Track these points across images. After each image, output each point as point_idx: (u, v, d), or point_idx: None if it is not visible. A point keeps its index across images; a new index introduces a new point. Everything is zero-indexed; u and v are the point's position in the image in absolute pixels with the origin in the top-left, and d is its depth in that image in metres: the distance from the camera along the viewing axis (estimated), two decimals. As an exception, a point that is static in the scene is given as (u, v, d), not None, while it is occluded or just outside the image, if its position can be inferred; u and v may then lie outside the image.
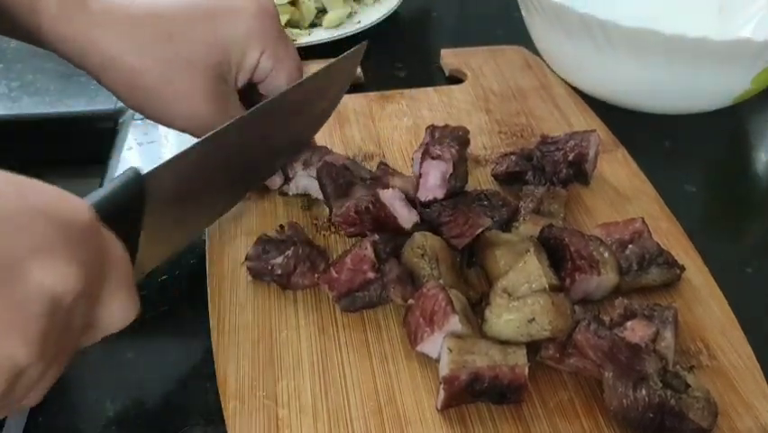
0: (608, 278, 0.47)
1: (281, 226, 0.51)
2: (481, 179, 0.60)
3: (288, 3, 0.82)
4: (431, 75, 0.79)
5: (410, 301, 0.46)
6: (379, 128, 0.66)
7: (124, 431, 0.44)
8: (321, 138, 0.62)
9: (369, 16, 0.84)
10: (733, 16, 0.76)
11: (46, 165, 0.77)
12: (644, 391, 0.41)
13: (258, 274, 0.50)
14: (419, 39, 0.90)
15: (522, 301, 0.43)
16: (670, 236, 0.55)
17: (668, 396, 0.40)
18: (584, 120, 0.69)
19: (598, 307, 0.48)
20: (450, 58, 0.78)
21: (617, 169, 0.62)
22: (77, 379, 0.46)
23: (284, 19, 0.81)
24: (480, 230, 0.49)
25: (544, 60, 0.76)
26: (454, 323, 0.42)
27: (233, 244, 0.54)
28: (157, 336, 0.49)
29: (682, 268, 0.51)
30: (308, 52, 0.80)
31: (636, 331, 0.44)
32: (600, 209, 0.58)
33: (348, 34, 0.81)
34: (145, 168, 0.41)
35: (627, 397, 0.41)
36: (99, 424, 0.44)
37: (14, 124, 0.73)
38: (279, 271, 0.49)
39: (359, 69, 0.75)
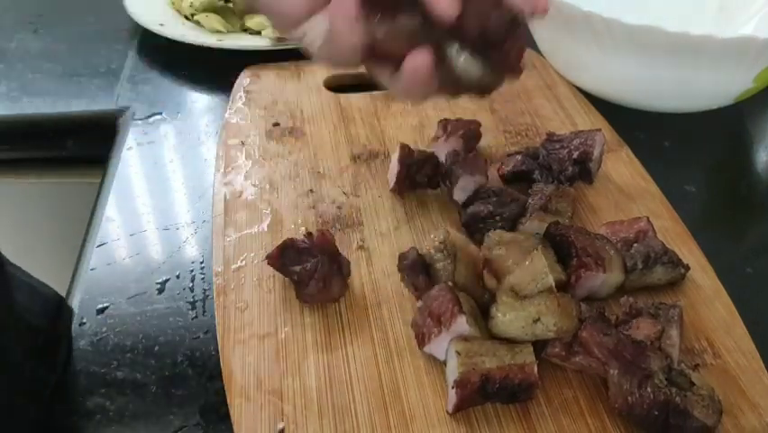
0: (614, 276, 0.47)
1: (309, 234, 0.49)
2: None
3: (289, 3, 0.82)
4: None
5: (419, 304, 0.45)
6: (383, 126, 0.67)
7: (124, 431, 0.44)
8: (326, 136, 0.64)
9: (369, 17, 0.84)
10: (733, 15, 0.76)
11: (46, 165, 0.77)
12: (649, 389, 0.41)
13: (278, 270, 0.49)
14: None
15: (528, 301, 0.43)
16: (675, 236, 0.55)
17: (673, 393, 0.40)
18: (589, 119, 0.69)
19: (603, 305, 0.48)
20: None
21: (621, 168, 0.62)
22: (77, 379, 0.46)
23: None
24: None
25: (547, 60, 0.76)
26: (461, 324, 0.42)
27: (238, 246, 0.54)
28: (156, 335, 0.49)
29: (687, 267, 0.51)
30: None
31: (642, 329, 0.44)
32: (605, 208, 0.58)
33: (348, 35, 0.81)
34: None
35: (632, 394, 0.41)
36: (99, 423, 0.44)
37: (14, 124, 0.73)
38: (295, 278, 0.48)
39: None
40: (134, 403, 0.45)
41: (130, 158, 0.65)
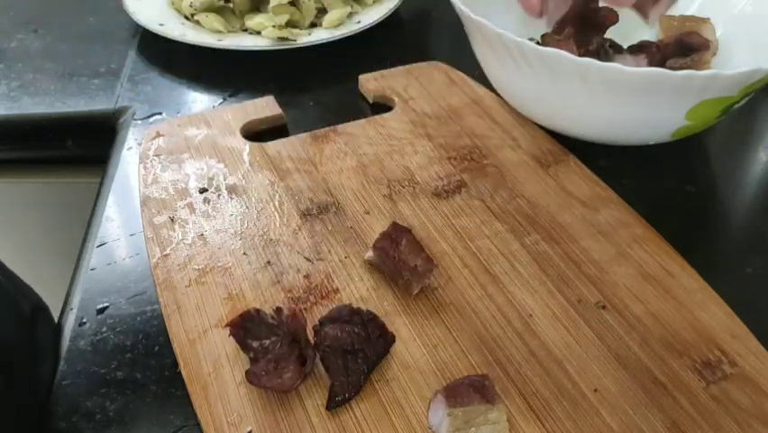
0: None
1: (279, 309, 0.44)
2: (449, 212, 0.57)
3: (288, 3, 0.82)
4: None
5: None
6: (323, 173, 0.61)
7: (124, 431, 0.44)
8: (264, 194, 0.58)
9: (369, 16, 0.84)
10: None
11: (46, 165, 0.77)
12: None
13: (238, 341, 0.44)
14: (419, 39, 0.90)
15: None
16: (649, 243, 0.54)
17: None
18: (527, 133, 0.66)
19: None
20: (370, 83, 0.73)
21: (574, 179, 0.61)
22: (77, 379, 0.46)
23: (284, 19, 0.81)
24: None
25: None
26: None
27: (204, 339, 0.47)
28: (156, 335, 0.49)
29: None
30: (308, 52, 0.80)
31: None
32: (575, 227, 0.56)
33: (348, 34, 0.81)
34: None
35: None
36: (99, 424, 0.44)
37: (14, 123, 0.73)
38: (251, 355, 0.43)
39: (279, 110, 0.69)
40: (134, 403, 0.45)
41: (130, 158, 0.65)
